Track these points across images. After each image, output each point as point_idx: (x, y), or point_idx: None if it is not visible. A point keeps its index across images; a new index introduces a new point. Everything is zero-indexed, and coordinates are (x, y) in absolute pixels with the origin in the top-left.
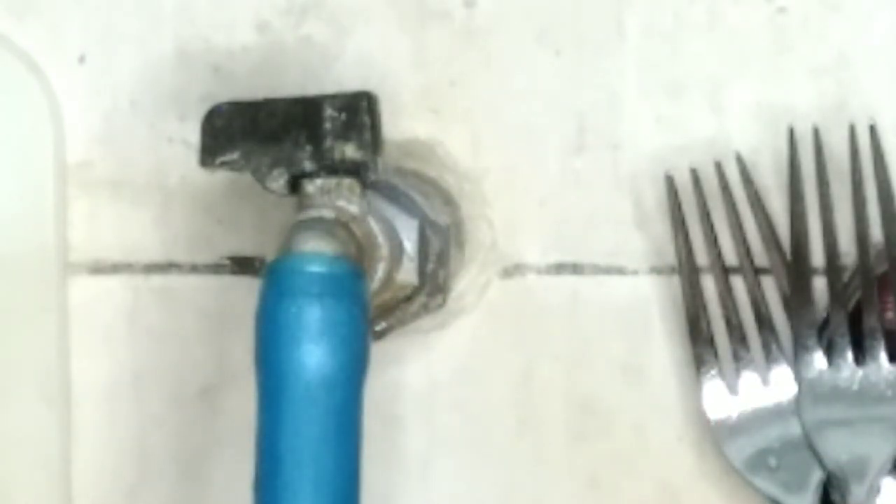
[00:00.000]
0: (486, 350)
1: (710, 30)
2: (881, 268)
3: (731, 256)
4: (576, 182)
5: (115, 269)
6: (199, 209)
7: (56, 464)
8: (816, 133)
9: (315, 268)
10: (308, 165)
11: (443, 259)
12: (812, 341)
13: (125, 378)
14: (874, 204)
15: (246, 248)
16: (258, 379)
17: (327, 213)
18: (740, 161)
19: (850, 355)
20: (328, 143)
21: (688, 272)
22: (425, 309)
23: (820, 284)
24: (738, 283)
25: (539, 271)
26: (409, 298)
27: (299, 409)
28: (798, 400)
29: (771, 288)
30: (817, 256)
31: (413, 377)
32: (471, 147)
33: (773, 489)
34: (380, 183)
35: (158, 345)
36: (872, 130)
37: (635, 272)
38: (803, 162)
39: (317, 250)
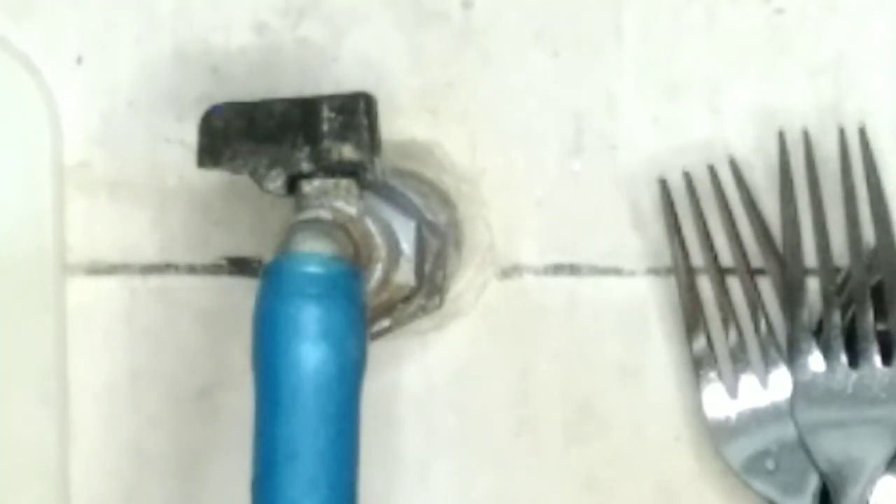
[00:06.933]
0: (483, 351)
1: (707, 31)
2: (873, 270)
3: (728, 258)
4: (573, 183)
5: (113, 269)
6: (196, 210)
7: (54, 464)
8: (806, 136)
9: (312, 268)
10: (305, 166)
11: (440, 260)
12: (807, 343)
13: (123, 378)
14: (867, 206)
15: (243, 249)
16: (255, 379)
17: (325, 214)
18: (733, 164)
19: (844, 358)
20: (326, 143)
21: (684, 275)
22: (423, 310)
23: (815, 286)
24: (736, 285)
25: (536, 272)
26: (406, 299)
27: (297, 410)
28: (792, 402)
29: (768, 289)
30: (812, 258)
31: (410, 378)
32: (468, 148)
33: (771, 492)
34: (377, 184)
35: (156, 345)
36: (862, 133)
37: (633, 273)
38: (798, 164)
39: (314, 251)
